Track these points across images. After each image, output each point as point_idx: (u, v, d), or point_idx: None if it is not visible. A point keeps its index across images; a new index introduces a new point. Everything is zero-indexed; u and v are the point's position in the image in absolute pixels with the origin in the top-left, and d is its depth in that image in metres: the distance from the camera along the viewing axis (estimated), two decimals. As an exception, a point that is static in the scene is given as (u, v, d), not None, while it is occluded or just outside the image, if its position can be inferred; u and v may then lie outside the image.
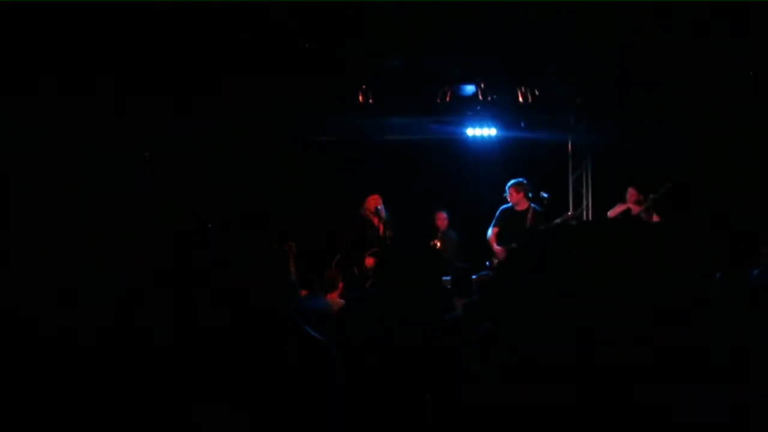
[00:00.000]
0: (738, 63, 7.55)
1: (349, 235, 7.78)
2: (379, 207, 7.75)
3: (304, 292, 7.93)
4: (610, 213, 9.01)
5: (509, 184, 8.62)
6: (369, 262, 7.64)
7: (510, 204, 8.66)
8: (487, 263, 8.56)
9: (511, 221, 8.62)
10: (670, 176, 8.74)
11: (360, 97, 8.50)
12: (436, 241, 7.74)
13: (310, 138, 9.63)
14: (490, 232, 8.70)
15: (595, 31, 7.16)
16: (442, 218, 9.18)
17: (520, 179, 8.61)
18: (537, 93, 8.60)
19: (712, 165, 8.56)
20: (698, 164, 8.68)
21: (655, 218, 8.66)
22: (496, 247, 8.61)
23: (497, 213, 8.71)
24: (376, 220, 7.80)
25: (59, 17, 6.17)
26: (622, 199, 8.94)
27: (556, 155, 9.91)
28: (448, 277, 6.16)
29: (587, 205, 9.92)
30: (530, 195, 8.53)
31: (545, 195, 8.47)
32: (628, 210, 8.84)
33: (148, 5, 6.27)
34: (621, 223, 8.29)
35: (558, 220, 8.47)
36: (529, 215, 8.51)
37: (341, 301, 6.94)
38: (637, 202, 8.77)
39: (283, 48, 7.45)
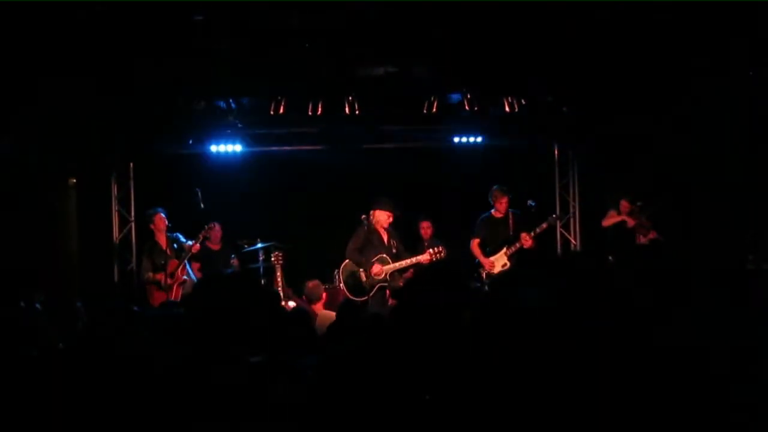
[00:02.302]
0: (733, 65, 7.56)
1: (353, 243, 7.96)
2: (392, 222, 8.06)
3: (296, 300, 7.95)
4: (604, 222, 9.01)
5: (495, 187, 8.60)
6: (376, 270, 7.84)
7: (488, 213, 8.66)
8: (476, 275, 8.55)
9: (491, 229, 8.62)
10: (657, 183, 8.77)
11: (347, 108, 8.50)
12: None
13: (300, 147, 9.60)
14: (471, 242, 8.68)
15: (581, 37, 7.18)
16: (426, 227, 9.15)
17: (500, 185, 8.62)
18: (523, 102, 8.61)
19: (703, 170, 8.57)
20: (688, 170, 8.69)
21: (652, 234, 8.65)
22: (483, 259, 8.58)
23: (477, 222, 8.70)
24: (382, 231, 8.06)
25: None
26: (610, 206, 8.95)
27: (542, 163, 9.90)
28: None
29: (574, 212, 9.92)
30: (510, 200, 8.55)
31: (532, 203, 8.46)
32: (624, 222, 8.84)
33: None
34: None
35: (544, 225, 8.48)
36: (510, 221, 8.51)
37: (325, 312, 6.96)
38: (631, 213, 8.79)
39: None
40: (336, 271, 8.32)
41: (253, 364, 2.05)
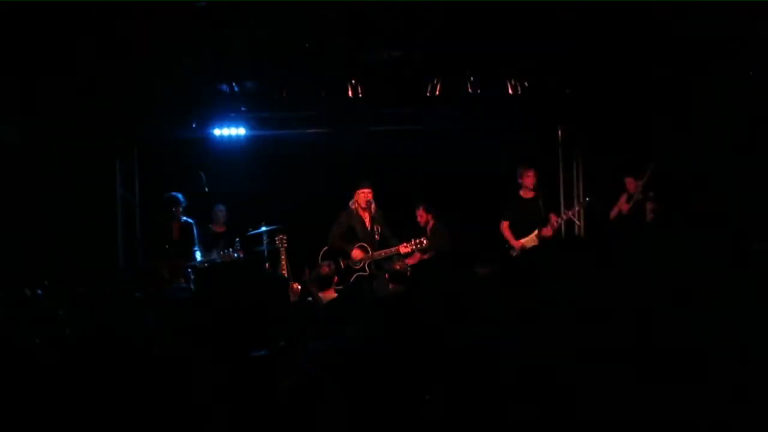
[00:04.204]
0: (734, 54, 7.52)
1: (336, 228, 7.90)
2: (369, 200, 7.81)
3: (296, 286, 7.94)
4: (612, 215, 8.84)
5: (524, 167, 8.52)
6: (356, 254, 7.79)
7: (516, 192, 8.57)
8: (507, 248, 8.47)
9: (521, 210, 8.52)
10: (663, 165, 8.72)
11: (349, 91, 8.47)
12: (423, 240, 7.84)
13: (303, 129, 9.59)
14: (501, 224, 8.58)
15: (583, 21, 7.14)
16: (424, 214, 9.09)
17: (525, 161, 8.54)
18: (527, 84, 8.56)
19: (706, 155, 8.52)
20: (690, 154, 8.65)
21: (650, 205, 8.53)
22: (513, 242, 8.48)
23: (507, 204, 8.61)
24: (364, 214, 7.89)
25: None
26: (617, 190, 8.88)
27: (546, 145, 9.84)
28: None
29: (579, 195, 9.83)
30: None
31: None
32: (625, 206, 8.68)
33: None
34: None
35: (576, 208, 8.53)
36: (540, 202, 8.44)
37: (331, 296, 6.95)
38: (636, 188, 8.68)
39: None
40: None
41: (256, 357, 2.06)
